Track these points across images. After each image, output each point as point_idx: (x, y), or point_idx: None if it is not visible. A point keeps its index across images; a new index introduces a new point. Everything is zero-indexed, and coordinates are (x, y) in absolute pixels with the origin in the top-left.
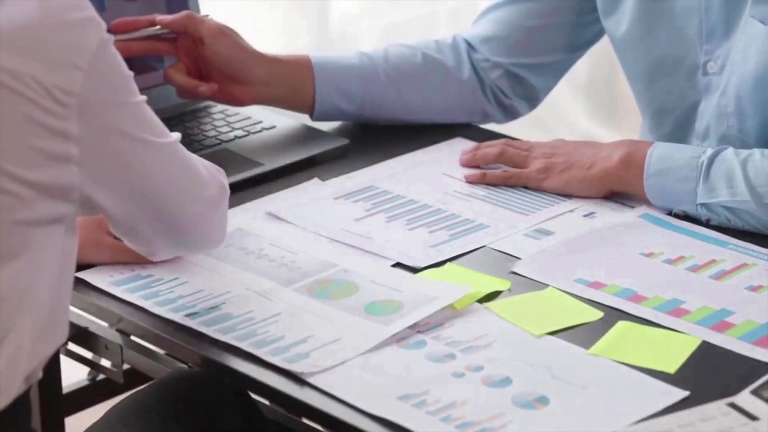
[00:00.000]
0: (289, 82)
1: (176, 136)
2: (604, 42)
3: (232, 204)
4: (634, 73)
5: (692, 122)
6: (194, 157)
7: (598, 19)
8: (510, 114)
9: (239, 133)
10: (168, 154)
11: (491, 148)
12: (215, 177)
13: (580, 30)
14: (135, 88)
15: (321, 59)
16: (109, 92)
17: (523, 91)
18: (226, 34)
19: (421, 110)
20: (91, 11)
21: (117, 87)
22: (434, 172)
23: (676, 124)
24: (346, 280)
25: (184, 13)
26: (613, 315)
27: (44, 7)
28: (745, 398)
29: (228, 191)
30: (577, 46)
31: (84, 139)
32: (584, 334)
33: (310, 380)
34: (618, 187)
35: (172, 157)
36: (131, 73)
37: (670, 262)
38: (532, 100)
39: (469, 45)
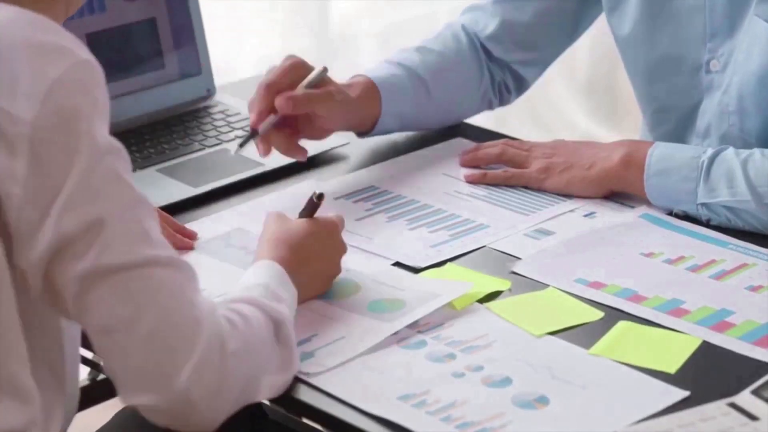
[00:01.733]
0: (364, 119)
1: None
2: (604, 41)
3: (232, 204)
4: (637, 70)
5: (693, 120)
6: (197, 298)
7: (594, 8)
8: (502, 104)
9: (239, 133)
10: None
11: (492, 148)
12: (215, 328)
13: (578, 21)
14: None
15: (385, 87)
16: (65, 134)
17: (517, 84)
18: (336, 101)
19: (446, 121)
20: (64, 40)
21: (76, 130)
22: (434, 172)
23: (678, 122)
24: (348, 279)
25: (303, 95)
26: (613, 315)
27: (13, 21)
28: (745, 398)
29: (239, 355)
30: (575, 37)
31: (29, 181)
32: (584, 334)
33: (310, 380)
34: (618, 187)
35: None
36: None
37: (670, 262)
38: (523, 90)
39: (480, 42)
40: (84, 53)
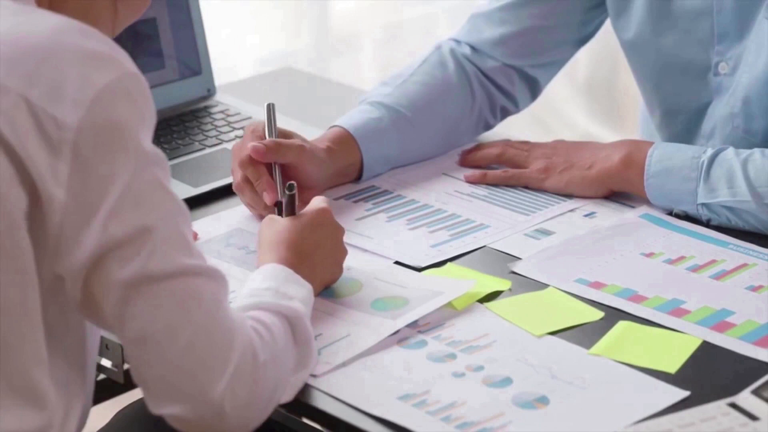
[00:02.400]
0: (343, 168)
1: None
2: (604, 42)
3: (232, 204)
4: (644, 74)
5: (701, 122)
6: (230, 312)
7: (603, 11)
8: (504, 118)
9: (239, 133)
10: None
11: (492, 148)
12: (247, 339)
13: (585, 25)
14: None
15: (362, 134)
16: (109, 141)
17: (529, 90)
18: (306, 151)
19: (440, 152)
20: (114, 51)
21: (121, 138)
22: (434, 172)
23: (686, 124)
24: (350, 278)
25: (271, 143)
26: (613, 315)
27: (64, 28)
28: (745, 398)
29: (269, 365)
30: (583, 42)
31: (73, 184)
32: (584, 334)
33: (311, 381)
34: (618, 187)
35: (182, 277)
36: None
37: (670, 262)
38: (537, 93)
39: (476, 51)
40: (132, 67)
